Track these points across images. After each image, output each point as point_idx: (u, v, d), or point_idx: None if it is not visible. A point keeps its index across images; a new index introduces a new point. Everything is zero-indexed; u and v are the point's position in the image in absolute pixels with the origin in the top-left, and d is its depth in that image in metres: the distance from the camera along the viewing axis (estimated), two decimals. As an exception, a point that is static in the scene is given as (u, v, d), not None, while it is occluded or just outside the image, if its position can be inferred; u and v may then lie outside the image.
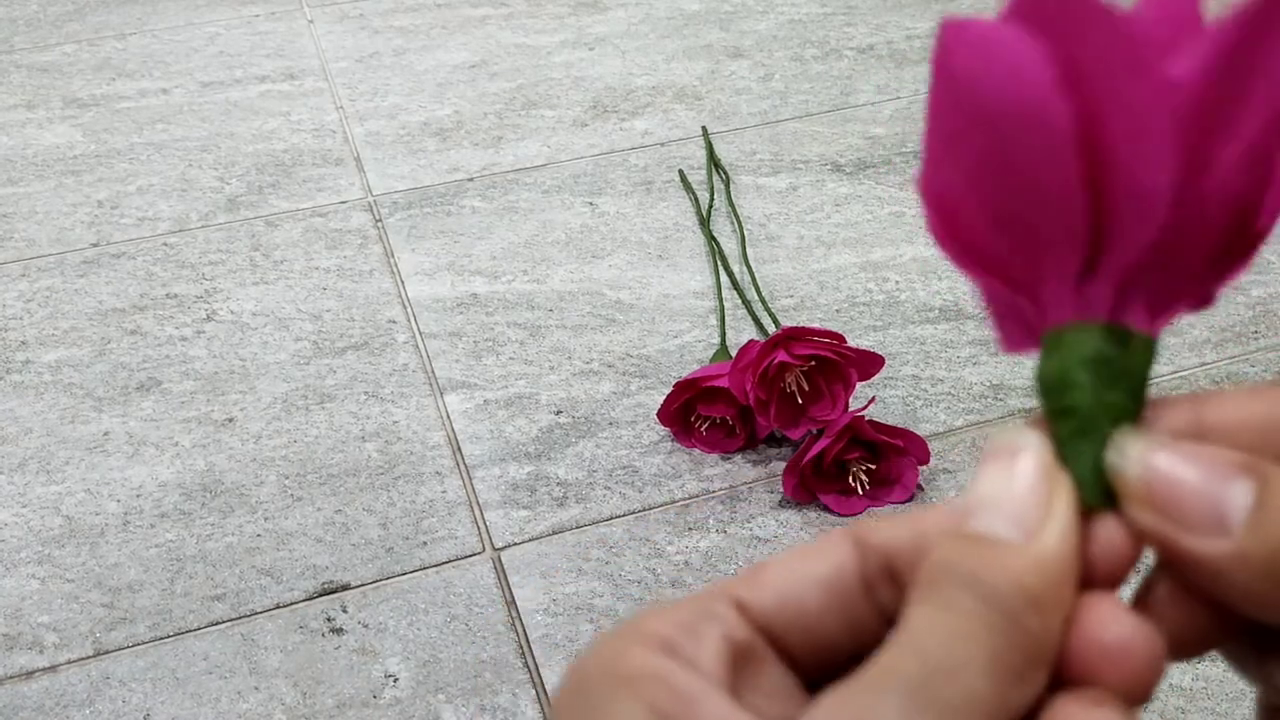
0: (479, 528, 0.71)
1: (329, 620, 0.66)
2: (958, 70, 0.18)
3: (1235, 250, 0.20)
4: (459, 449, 0.76)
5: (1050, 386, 0.20)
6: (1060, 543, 0.18)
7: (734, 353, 0.74)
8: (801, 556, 0.20)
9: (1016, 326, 0.21)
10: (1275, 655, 0.19)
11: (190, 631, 0.66)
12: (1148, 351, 0.20)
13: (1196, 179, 0.18)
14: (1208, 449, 0.18)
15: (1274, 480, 0.17)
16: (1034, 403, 0.19)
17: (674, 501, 0.73)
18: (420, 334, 0.86)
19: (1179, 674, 0.61)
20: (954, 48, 0.19)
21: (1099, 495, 0.19)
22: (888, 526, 0.21)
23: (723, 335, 0.83)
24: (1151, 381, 0.20)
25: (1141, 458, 0.18)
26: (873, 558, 0.20)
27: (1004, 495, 0.19)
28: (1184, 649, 0.19)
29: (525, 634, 0.65)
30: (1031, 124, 0.18)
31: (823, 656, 0.20)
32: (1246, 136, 0.18)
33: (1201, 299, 0.20)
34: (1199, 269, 0.20)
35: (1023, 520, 0.18)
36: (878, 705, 0.17)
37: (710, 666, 0.19)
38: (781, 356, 0.70)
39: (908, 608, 0.18)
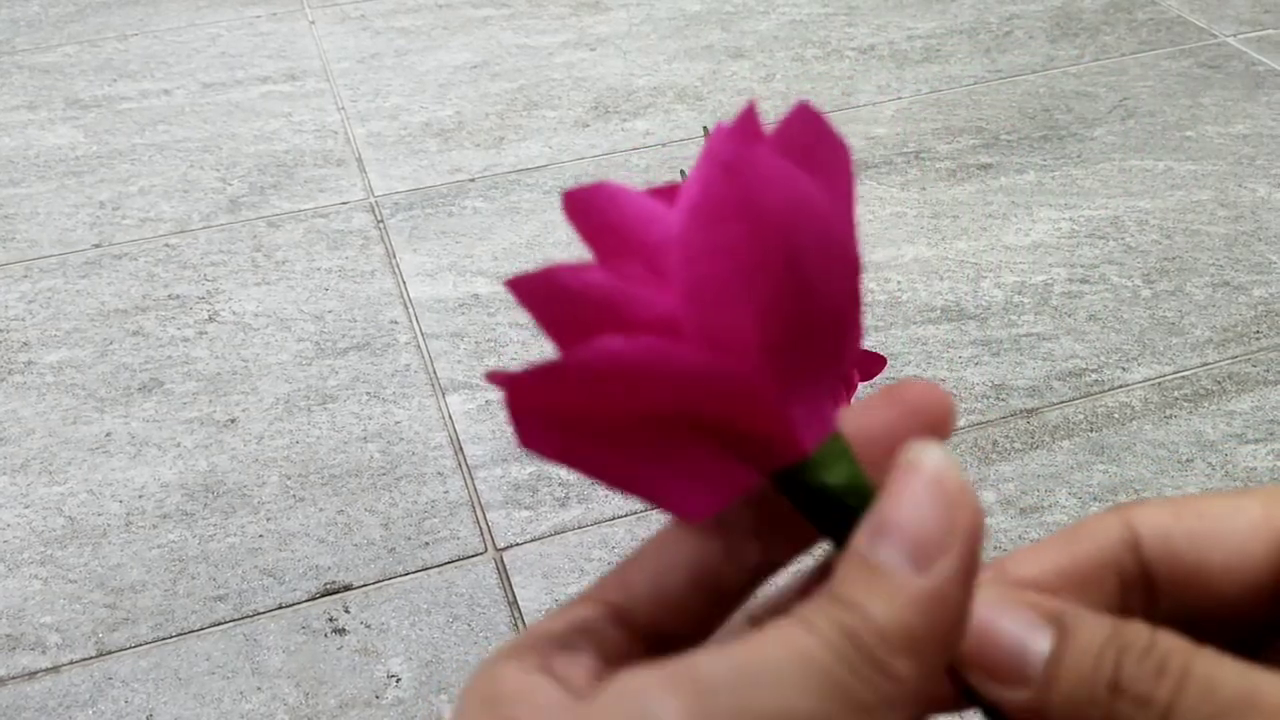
0: (481, 528, 0.71)
1: (331, 620, 0.66)
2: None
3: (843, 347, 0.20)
4: (461, 449, 0.76)
5: (852, 498, 0.20)
6: (950, 580, 0.17)
7: (736, 353, 0.74)
8: (661, 545, 0.19)
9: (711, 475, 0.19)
10: None
11: (193, 632, 0.66)
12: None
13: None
14: (1019, 594, 0.18)
15: (1076, 629, 0.18)
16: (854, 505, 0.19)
17: (676, 502, 0.73)
18: (422, 334, 0.86)
19: None
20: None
21: None
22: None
23: (724, 335, 0.83)
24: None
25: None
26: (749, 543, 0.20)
27: (901, 521, 0.17)
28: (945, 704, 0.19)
29: (527, 634, 0.65)
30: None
31: (700, 632, 0.20)
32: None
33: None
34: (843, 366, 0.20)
35: (917, 551, 0.17)
36: (656, 704, 0.16)
37: (581, 681, 0.18)
38: (783, 357, 0.70)
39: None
